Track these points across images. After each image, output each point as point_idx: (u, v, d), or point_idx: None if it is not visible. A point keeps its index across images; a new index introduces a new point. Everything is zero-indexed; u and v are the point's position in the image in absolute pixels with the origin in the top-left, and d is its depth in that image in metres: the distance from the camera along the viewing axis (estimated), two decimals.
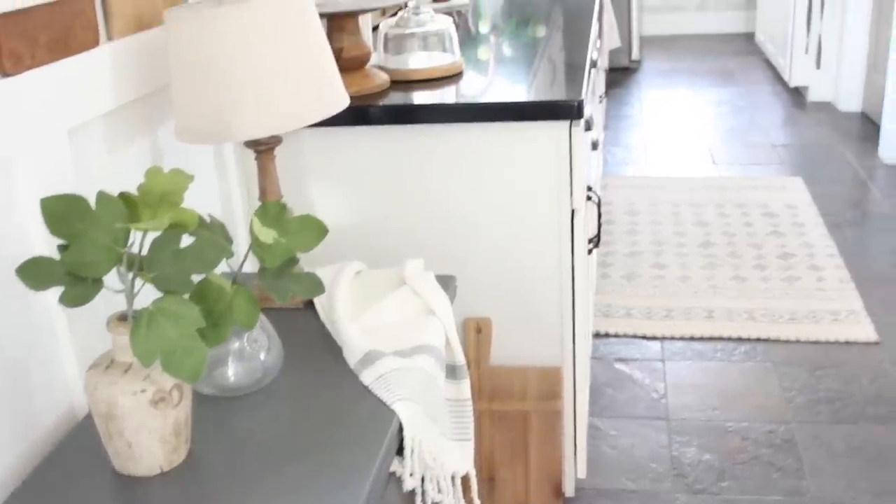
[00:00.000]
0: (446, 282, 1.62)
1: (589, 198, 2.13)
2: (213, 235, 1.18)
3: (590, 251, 2.18)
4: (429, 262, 1.89)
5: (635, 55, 6.45)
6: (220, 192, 1.81)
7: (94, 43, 1.37)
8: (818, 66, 5.40)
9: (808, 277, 3.24)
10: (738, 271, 3.32)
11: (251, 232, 1.22)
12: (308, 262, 1.82)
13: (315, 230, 1.28)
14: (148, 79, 1.52)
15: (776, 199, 3.99)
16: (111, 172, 1.45)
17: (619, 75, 6.31)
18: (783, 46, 5.77)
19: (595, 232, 2.28)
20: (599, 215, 2.19)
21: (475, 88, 1.93)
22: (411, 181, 1.85)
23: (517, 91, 1.89)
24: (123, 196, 1.08)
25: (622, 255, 3.50)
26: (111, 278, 1.10)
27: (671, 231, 3.70)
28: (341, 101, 1.46)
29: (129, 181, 1.49)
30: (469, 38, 2.63)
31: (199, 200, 1.74)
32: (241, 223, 1.86)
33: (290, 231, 1.27)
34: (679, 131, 5.10)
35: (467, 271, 1.89)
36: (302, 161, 1.87)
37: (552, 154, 1.77)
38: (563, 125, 1.75)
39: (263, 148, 1.48)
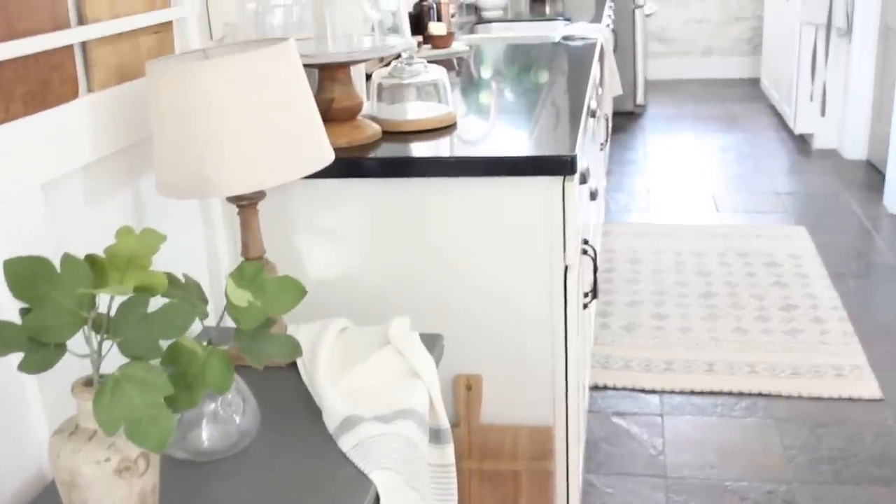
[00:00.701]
0: (433, 341, 1.58)
1: (584, 251, 2.09)
2: (182, 301, 1.14)
3: (585, 305, 2.14)
4: (418, 317, 1.85)
5: (640, 100, 6.44)
6: (206, 244, 1.78)
7: (73, 95, 1.34)
8: (823, 113, 5.38)
9: (811, 330, 3.19)
10: (739, 323, 3.27)
11: (226, 294, 1.18)
12: (293, 316, 1.78)
13: (293, 292, 1.24)
14: (131, 130, 1.49)
15: (780, 249, 3.95)
16: (90, 226, 1.42)
17: (624, 120, 6.30)
18: (788, 93, 5.75)
19: (591, 286, 2.24)
20: (595, 269, 2.15)
21: (468, 140, 1.90)
22: (402, 235, 1.81)
23: (511, 144, 1.86)
24: (90, 258, 1.04)
25: (623, 304, 3.46)
26: (78, 341, 1.06)
27: (673, 280, 3.66)
28: (326, 157, 1.43)
29: (109, 235, 1.45)
30: (470, 84, 2.61)
31: (184, 253, 1.71)
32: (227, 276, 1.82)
33: (267, 292, 1.23)
34: (683, 177, 5.08)
35: (457, 327, 1.85)
36: (289, 213, 1.83)
37: (544, 209, 1.73)
38: (555, 181, 1.71)
39: (246, 203, 1.45)
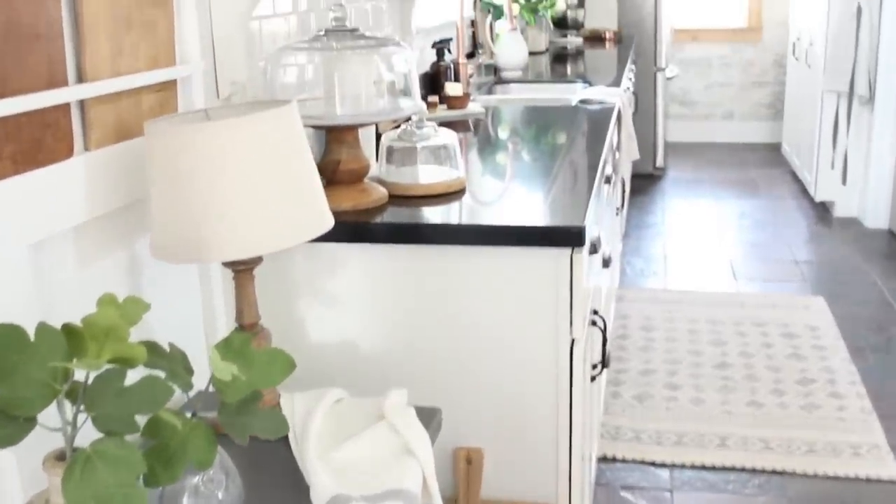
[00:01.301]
0: (431, 414, 1.53)
1: (594, 322, 2.04)
2: (167, 372, 1.10)
3: (593, 378, 2.08)
4: (419, 386, 1.79)
5: (660, 162, 6.40)
6: (203, 307, 1.73)
7: (68, 154, 1.31)
8: (844, 181, 5.32)
9: (828, 406, 3.10)
10: (754, 396, 3.19)
11: (210, 366, 1.13)
12: (288, 383, 1.72)
13: (282, 365, 1.20)
14: (128, 189, 1.45)
15: (797, 320, 3.87)
16: (83, 288, 1.38)
17: (643, 182, 6.26)
18: (809, 160, 5.70)
19: (600, 358, 2.17)
20: (605, 340, 2.10)
21: (477, 206, 1.86)
22: (405, 302, 1.76)
23: (520, 211, 1.82)
24: (67, 328, 1.00)
25: (635, 372, 3.38)
26: (52, 412, 1.02)
27: (687, 349, 3.58)
28: (325, 223, 1.39)
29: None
30: (484, 147, 2.58)
31: (180, 316, 1.66)
32: None
33: (254, 365, 1.18)
34: (701, 243, 5.02)
35: (459, 398, 1.79)
36: (290, 276, 1.79)
37: (552, 281, 1.69)
38: (563, 252, 1.67)
39: (242, 268, 1.41)
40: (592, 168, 2.17)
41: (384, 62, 1.84)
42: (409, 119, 1.97)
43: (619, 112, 3.13)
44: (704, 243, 5.01)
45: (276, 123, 1.32)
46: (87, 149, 1.37)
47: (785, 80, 7.01)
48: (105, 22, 1.38)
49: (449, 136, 1.94)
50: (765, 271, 4.55)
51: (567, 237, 1.66)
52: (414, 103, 1.86)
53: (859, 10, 4.92)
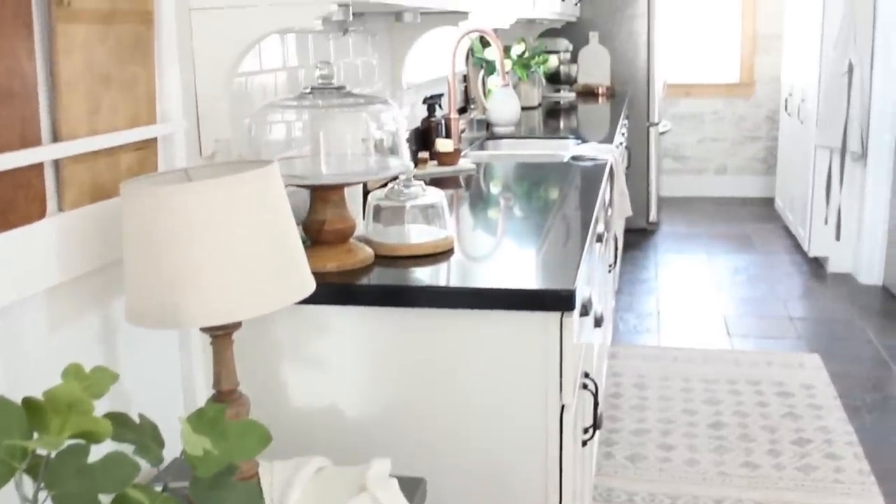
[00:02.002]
0: (415, 484, 1.47)
1: (585, 385, 1.99)
2: (136, 447, 1.05)
3: (584, 442, 2.02)
4: (404, 453, 1.74)
5: (653, 217, 6.39)
6: (182, 372, 1.68)
7: (40, 215, 1.27)
8: (838, 237, 5.30)
9: (825, 468, 3.04)
10: (749, 457, 3.12)
11: (182, 439, 1.08)
12: (270, 451, 1.67)
13: (258, 438, 1.15)
14: (103, 251, 1.41)
15: (792, 378, 3.82)
16: (55, 353, 1.33)
17: (637, 237, 6.23)
18: (803, 216, 5.69)
19: (591, 421, 2.12)
20: (596, 404, 2.05)
21: (464, 268, 1.82)
22: (390, 366, 1.71)
23: (509, 273, 1.78)
24: (28, 401, 0.95)
25: (628, 432, 3.32)
26: (11, 490, 0.97)
27: (681, 408, 3.53)
28: (306, 288, 1.35)
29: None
30: (473, 205, 2.55)
31: (157, 382, 1.61)
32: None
33: (229, 437, 1.13)
34: (694, 299, 4.98)
35: (445, 466, 1.74)
36: (271, 338, 1.74)
37: (541, 346, 1.64)
38: (553, 316, 1.62)
39: (220, 333, 1.36)
40: (584, 227, 2.13)
41: (372, 120, 1.81)
42: (397, 177, 1.93)
43: (612, 169, 3.11)
44: (698, 299, 4.97)
45: (257, 185, 1.28)
46: (60, 209, 1.33)
47: (777, 134, 7.03)
48: (83, 79, 1.35)
49: (437, 195, 1.90)
50: (759, 328, 4.51)
51: (557, 301, 1.61)
52: (402, 162, 1.82)
53: (851, 67, 4.93)
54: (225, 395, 1.39)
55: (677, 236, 6.34)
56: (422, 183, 1.92)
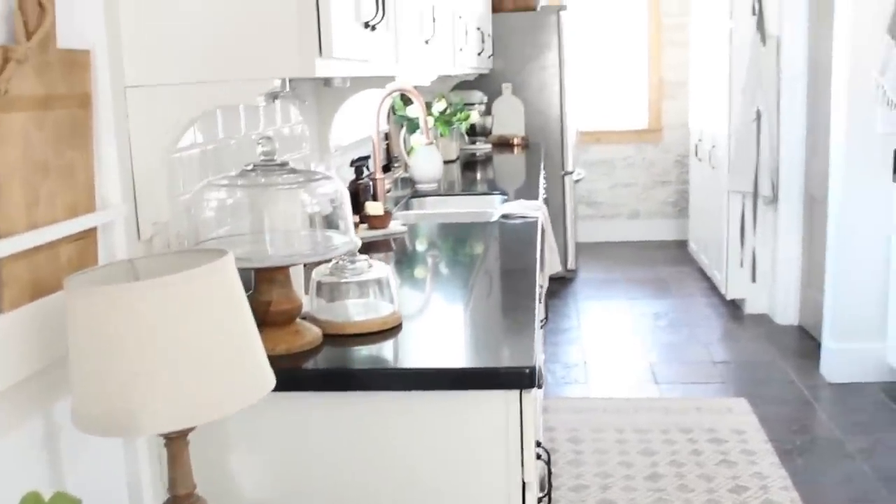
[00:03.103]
0: None
1: (538, 456, 1.95)
2: None
3: None
4: None
5: (571, 264, 6.43)
6: (127, 479, 1.58)
7: None
8: (753, 279, 5.41)
9: None
10: None
11: None
12: None
13: None
14: (43, 351, 1.33)
15: (722, 423, 3.86)
16: None
17: (556, 285, 6.26)
18: (718, 259, 5.79)
19: (546, 490, 2.09)
20: (549, 472, 2.01)
21: (414, 345, 1.77)
22: (344, 451, 1.65)
23: (461, 350, 1.74)
24: None
25: (567, 489, 3.30)
26: None
27: (617, 461, 3.52)
28: (266, 385, 1.29)
29: (14, 474, 1.27)
30: (410, 272, 2.50)
31: (101, 491, 1.51)
32: None
33: None
34: (619, 346, 5.01)
35: None
36: (221, 428, 1.66)
37: (500, 425, 1.60)
38: (512, 394, 1.59)
39: (176, 435, 1.29)
40: (529, 292, 2.11)
41: (314, 196, 1.76)
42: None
43: (542, 227, 3.10)
44: (622, 346, 5.00)
45: (213, 279, 1.22)
46: (0, 311, 1.25)
47: (687, 178, 7.18)
48: (20, 170, 1.28)
49: (383, 270, 1.86)
50: (684, 373, 4.55)
51: (517, 378, 1.58)
52: (348, 238, 1.77)
53: (759, 114, 5.07)
54: (182, 499, 1.31)
55: (596, 282, 6.40)
56: (367, 257, 1.87)
